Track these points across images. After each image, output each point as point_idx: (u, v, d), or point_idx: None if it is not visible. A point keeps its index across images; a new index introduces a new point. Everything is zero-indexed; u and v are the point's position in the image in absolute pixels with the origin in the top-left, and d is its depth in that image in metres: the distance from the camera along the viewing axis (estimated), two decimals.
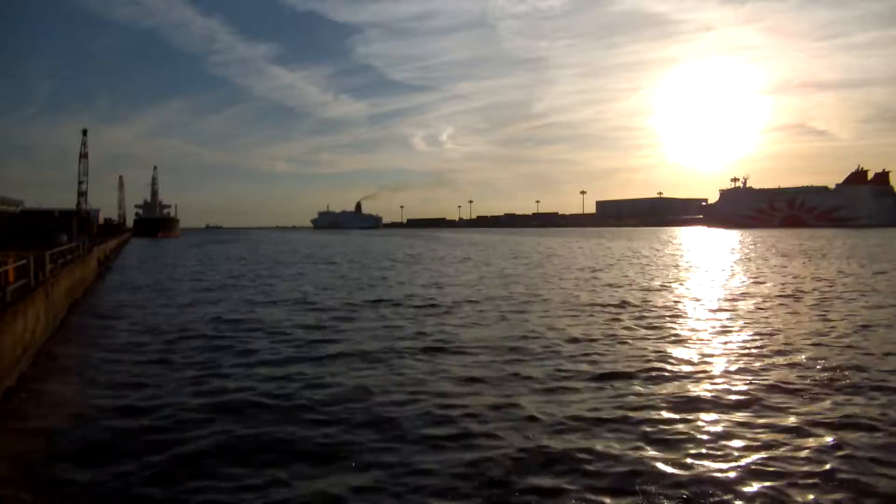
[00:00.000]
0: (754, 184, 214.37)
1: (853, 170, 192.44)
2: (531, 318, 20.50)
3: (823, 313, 20.80)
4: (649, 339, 16.69)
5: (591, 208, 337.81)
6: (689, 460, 8.15)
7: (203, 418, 10.06)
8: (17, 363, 12.47)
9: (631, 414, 10.05)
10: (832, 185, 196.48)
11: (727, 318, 20.02)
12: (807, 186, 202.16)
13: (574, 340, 16.38)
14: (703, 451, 8.49)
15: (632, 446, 8.63)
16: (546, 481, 7.55)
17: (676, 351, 15.00)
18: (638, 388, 11.64)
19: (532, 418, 9.85)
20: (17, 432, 9.53)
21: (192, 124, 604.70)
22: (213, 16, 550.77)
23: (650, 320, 19.77)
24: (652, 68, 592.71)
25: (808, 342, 15.84)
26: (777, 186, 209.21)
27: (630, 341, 16.34)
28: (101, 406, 10.80)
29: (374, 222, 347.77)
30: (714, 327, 18.55)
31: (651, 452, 8.40)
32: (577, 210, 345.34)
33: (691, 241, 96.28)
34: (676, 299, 24.83)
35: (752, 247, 71.10)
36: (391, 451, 8.55)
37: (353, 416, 10.06)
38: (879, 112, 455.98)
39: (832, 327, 18.12)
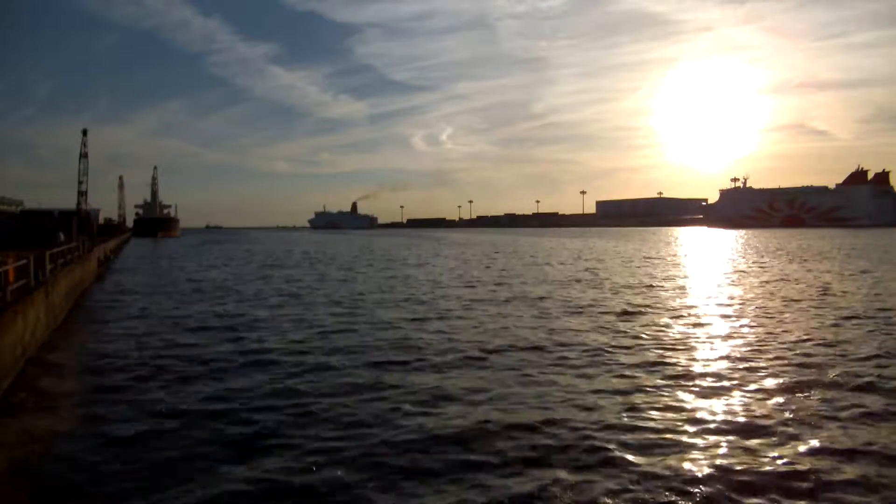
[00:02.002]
0: (754, 184, 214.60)
1: (853, 170, 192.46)
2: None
3: None
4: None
5: (591, 208, 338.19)
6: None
7: (201, 417, 10.12)
8: (16, 363, 12.52)
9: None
10: (832, 185, 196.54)
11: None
12: (807, 186, 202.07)
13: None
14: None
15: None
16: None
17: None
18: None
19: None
20: (16, 432, 9.58)
21: (192, 124, 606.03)
22: (213, 16, 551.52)
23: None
24: (652, 68, 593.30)
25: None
26: (777, 186, 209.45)
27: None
28: (100, 406, 10.85)
29: (369, 222, 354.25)
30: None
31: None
32: (577, 210, 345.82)
33: (695, 243, 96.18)
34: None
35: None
36: None
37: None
38: (879, 112, 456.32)
39: None
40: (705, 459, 8.18)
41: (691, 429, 9.31)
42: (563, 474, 7.73)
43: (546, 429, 9.35)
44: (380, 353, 15.07)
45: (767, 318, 19.88)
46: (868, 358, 13.87)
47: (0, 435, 9.43)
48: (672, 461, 8.13)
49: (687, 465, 7.98)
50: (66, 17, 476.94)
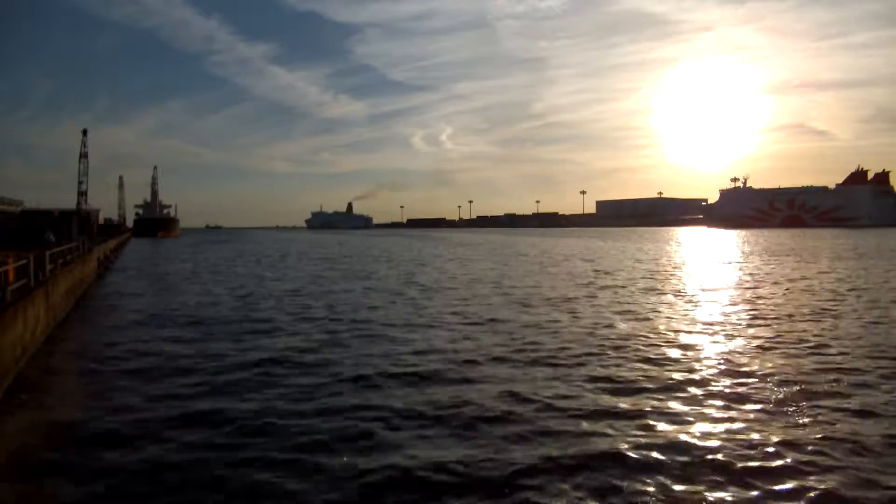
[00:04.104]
0: (754, 184, 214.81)
1: (853, 170, 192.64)
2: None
3: None
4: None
5: (591, 208, 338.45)
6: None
7: (198, 417, 10.09)
8: (16, 363, 12.49)
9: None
10: (832, 185, 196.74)
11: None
12: (807, 186, 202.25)
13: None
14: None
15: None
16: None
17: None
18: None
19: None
20: (16, 432, 9.55)
21: (192, 124, 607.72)
22: (213, 16, 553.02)
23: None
24: (652, 68, 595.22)
25: None
26: (777, 186, 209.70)
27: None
28: (100, 406, 10.81)
29: (364, 222, 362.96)
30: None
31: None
32: (577, 210, 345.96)
33: (697, 243, 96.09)
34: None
35: None
36: None
37: None
38: (879, 112, 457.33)
39: None
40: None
41: None
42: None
43: None
44: None
45: None
46: None
47: (1, 434, 9.39)
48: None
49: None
50: (66, 17, 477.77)
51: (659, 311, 21.67)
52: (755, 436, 9.00)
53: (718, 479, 7.61)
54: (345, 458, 8.27)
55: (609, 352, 14.96)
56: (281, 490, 7.40)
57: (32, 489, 7.62)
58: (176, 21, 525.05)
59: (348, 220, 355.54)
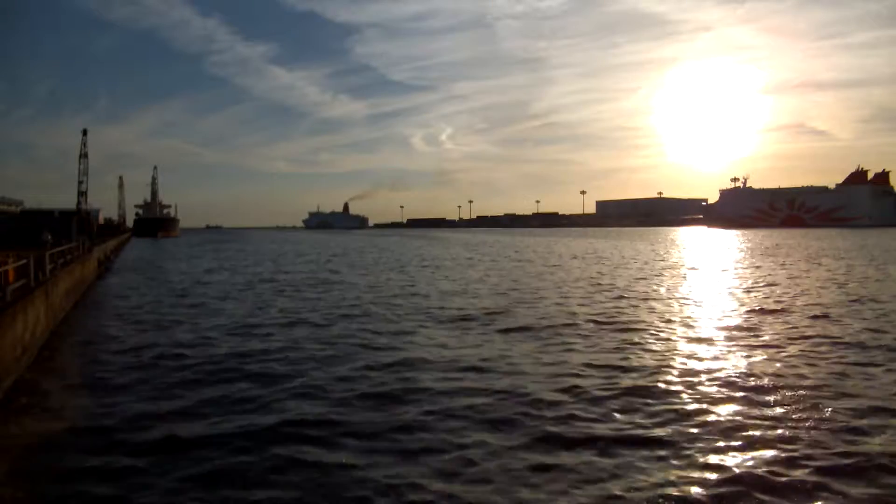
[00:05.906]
0: (754, 184, 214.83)
1: (853, 170, 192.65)
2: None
3: None
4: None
5: (591, 208, 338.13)
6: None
7: (198, 416, 10.02)
8: (16, 363, 12.42)
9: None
10: (832, 185, 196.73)
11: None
12: (807, 186, 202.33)
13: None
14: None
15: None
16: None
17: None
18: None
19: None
20: (16, 433, 9.48)
21: (192, 124, 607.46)
22: (212, 16, 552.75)
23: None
24: (652, 68, 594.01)
25: None
26: (777, 186, 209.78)
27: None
28: (100, 407, 10.74)
29: (359, 223, 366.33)
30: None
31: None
32: (577, 210, 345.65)
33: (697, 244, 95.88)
34: None
35: None
36: None
37: None
38: (879, 112, 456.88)
39: None
40: None
41: None
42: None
43: None
44: None
45: None
46: None
47: (1, 436, 9.32)
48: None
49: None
50: (66, 17, 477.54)
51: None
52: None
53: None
54: None
55: None
56: None
57: (33, 491, 7.55)
58: (176, 21, 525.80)
59: (344, 221, 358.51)
